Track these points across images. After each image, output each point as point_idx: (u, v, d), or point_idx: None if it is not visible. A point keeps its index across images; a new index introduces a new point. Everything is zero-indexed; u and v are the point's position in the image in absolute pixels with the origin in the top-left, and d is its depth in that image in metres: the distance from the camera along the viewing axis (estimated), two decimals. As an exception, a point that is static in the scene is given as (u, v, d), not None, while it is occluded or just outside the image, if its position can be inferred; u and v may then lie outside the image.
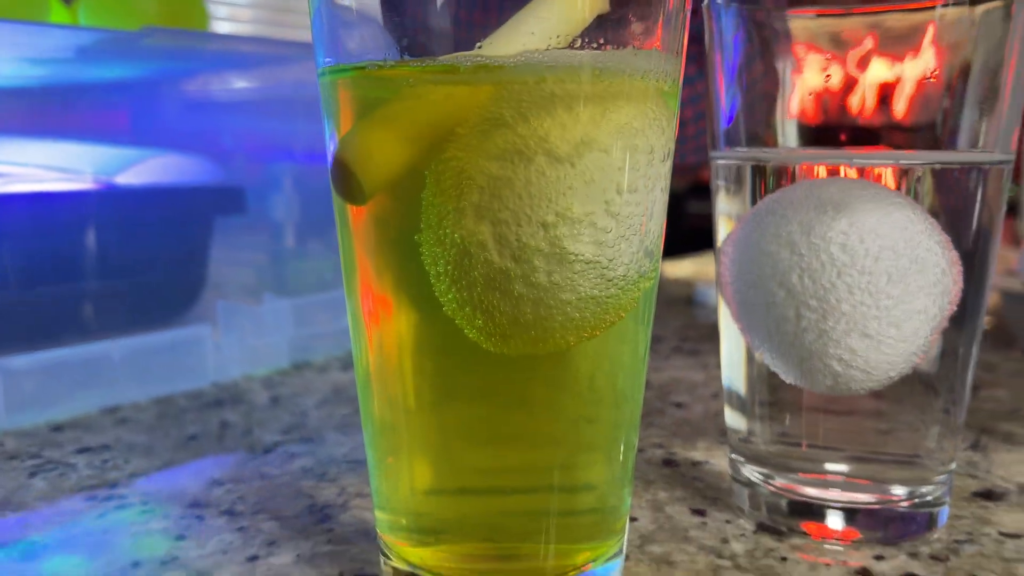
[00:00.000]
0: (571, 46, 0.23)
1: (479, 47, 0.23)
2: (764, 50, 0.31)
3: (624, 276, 0.24)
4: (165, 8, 0.57)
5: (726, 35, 0.31)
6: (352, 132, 0.24)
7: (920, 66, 0.29)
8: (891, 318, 0.28)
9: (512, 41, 0.23)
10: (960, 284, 0.29)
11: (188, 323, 0.51)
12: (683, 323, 0.67)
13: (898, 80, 0.29)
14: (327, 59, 0.25)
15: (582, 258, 0.23)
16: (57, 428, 0.43)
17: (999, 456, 0.38)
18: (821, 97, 0.31)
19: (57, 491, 0.35)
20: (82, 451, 0.40)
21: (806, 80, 0.31)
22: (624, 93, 0.23)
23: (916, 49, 0.29)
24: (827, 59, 0.30)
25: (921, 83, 0.29)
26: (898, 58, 0.29)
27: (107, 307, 0.50)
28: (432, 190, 0.23)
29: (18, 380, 0.42)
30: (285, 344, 0.53)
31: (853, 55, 0.30)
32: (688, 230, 1.35)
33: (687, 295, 0.80)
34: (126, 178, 0.55)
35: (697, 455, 0.39)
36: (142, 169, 0.58)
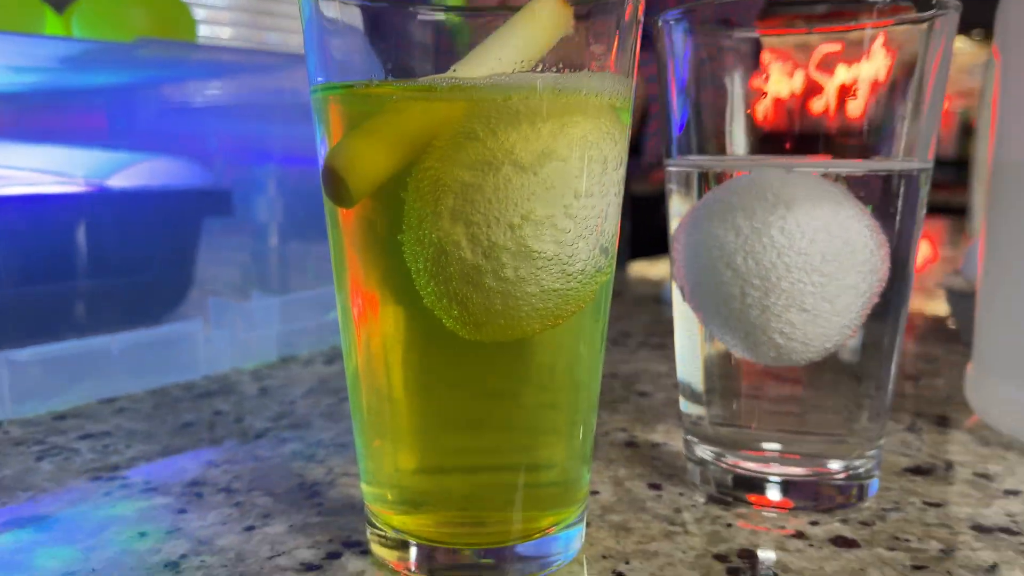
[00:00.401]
0: (534, 69, 0.26)
1: (453, 70, 0.26)
2: (711, 65, 0.34)
3: (582, 271, 0.27)
4: (155, 18, 0.60)
5: (677, 51, 0.34)
6: (341, 142, 0.27)
7: (850, 82, 0.32)
8: (825, 293, 0.31)
9: (482, 65, 0.26)
10: (887, 264, 0.32)
11: (181, 319, 0.54)
12: (651, 319, 0.70)
13: (833, 93, 0.33)
14: (319, 77, 0.28)
15: (544, 255, 0.26)
16: (59, 417, 0.45)
17: (931, 437, 0.42)
18: (763, 108, 0.34)
19: (64, 473, 0.38)
20: (84, 437, 0.42)
21: (750, 92, 0.34)
22: (580, 109, 0.26)
23: (848, 64, 0.32)
24: (767, 74, 0.34)
25: (851, 98, 0.32)
26: (831, 74, 0.33)
27: (105, 304, 0.53)
28: (412, 195, 0.26)
29: (22, 372, 0.45)
30: (273, 339, 0.55)
31: (793, 71, 0.34)
32: (661, 232, 1.39)
33: (656, 294, 0.83)
34: (122, 181, 0.58)
35: (657, 437, 0.42)
36: (134, 172, 0.61)
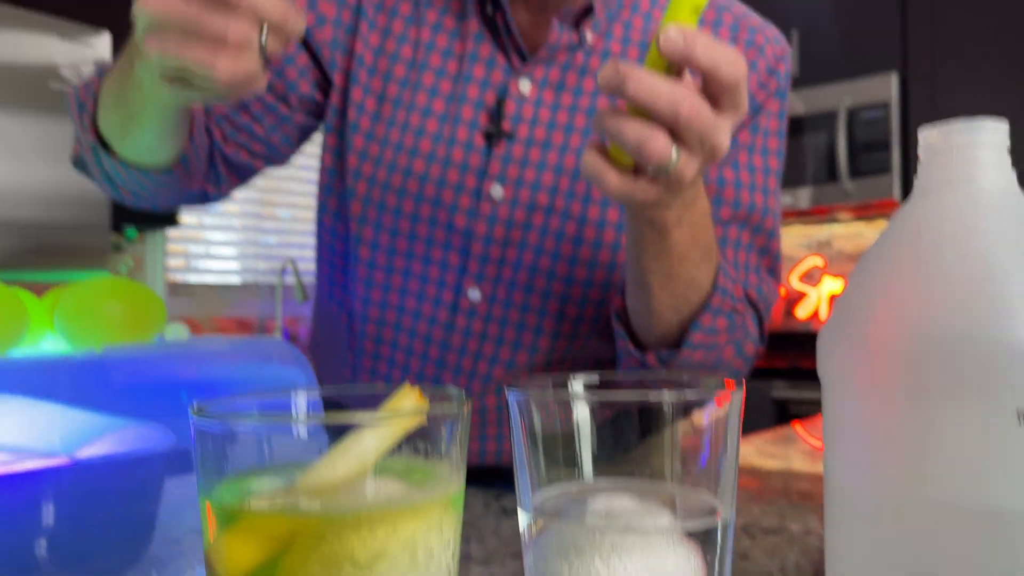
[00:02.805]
0: (390, 452, 0.33)
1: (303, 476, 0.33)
2: (557, 420, 0.41)
3: (415, 639, 0.33)
4: (129, 309, 0.69)
5: (521, 413, 0.42)
6: (219, 538, 0.34)
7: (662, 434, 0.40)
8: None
9: (349, 450, 0.33)
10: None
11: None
12: None
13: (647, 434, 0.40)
14: (205, 495, 0.35)
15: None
16: None
17: None
18: (592, 443, 0.41)
19: None
20: None
21: (584, 434, 0.41)
22: (412, 511, 0.33)
23: (659, 425, 0.40)
24: (597, 419, 0.41)
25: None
26: (647, 427, 0.40)
27: (79, 565, 0.59)
28: (277, 581, 0.32)
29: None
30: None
31: (613, 417, 0.41)
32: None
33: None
34: (93, 451, 0.65)
35: None
36: (103, 442, 0.68)
